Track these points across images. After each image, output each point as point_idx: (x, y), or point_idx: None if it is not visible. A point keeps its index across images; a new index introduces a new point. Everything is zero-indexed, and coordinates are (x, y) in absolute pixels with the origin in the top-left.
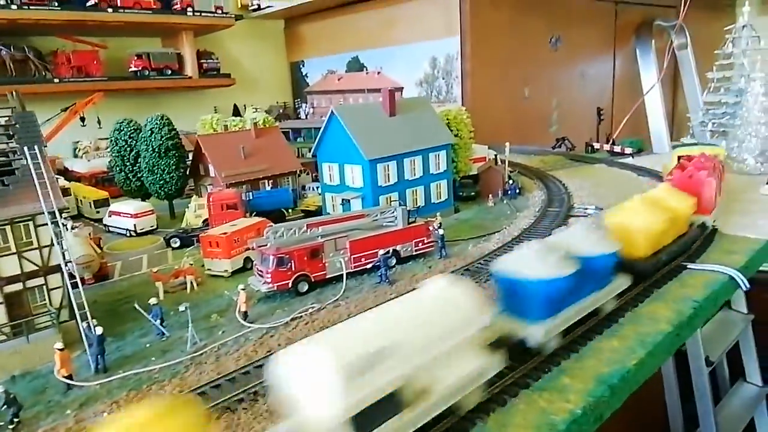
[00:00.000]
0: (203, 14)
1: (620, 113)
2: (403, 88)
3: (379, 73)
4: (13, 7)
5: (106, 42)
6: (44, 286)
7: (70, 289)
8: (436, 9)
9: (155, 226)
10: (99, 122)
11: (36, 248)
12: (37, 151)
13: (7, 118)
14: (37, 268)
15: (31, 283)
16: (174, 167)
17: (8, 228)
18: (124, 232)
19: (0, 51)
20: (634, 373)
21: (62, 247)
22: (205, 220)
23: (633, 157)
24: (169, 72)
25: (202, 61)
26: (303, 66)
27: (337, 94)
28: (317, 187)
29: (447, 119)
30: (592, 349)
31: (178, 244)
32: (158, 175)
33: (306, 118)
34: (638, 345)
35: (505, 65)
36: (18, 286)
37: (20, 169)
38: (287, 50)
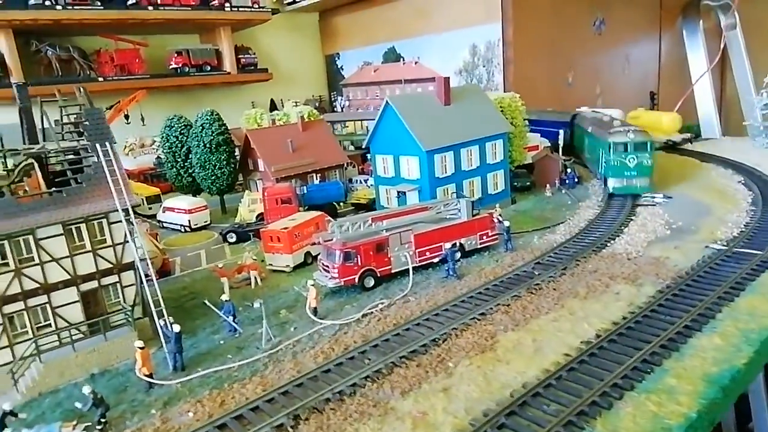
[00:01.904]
0: (240, 9)
1: (667, 97)
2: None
3: (416, 62)
4: (58, 7)
5: (147, 40)
6: (118, 284)
7: (146, 287)
8: None
9: (209, 222)
10: (143, 119)
11: (110, 246)
12: (108, 147)
13: (76, 116)
14: (111, 265)
15: (105, 280)
16: (225, 162)
17: (83, 226)
18: (178, 227)
19: (46, 51)
20: (744, 372)
21: (136, 244)
22: (260, 214)
23: (691, 142)
24: (209, 68)
25: (240, 56)
26: (338, 58)
27: (373, 86)
28: (365, 180)
29: (501, 107)
30: (692, 347)
31: (234, 239)
32: (210, 171)
33: (342, 110)
34: (743, 342)
35: (547, 51)
36: (93, 284)
37: (91, 167)
38: (322, 43)
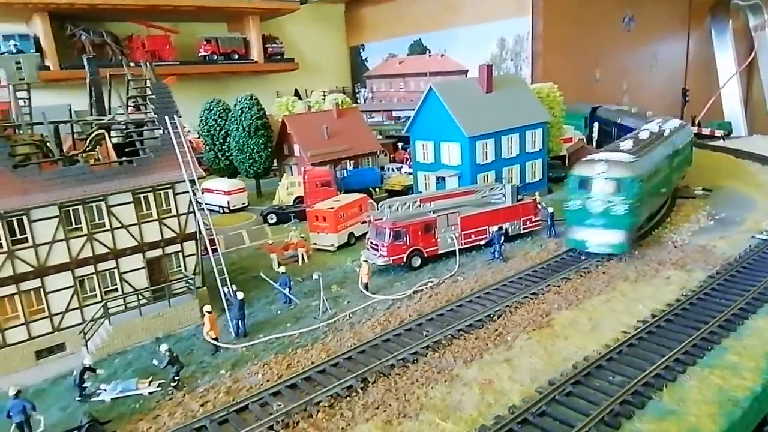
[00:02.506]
0: None
1: (694, 96)
2: (468, 70)
3: (442, 55)
4: None
5: (177, 27)
6: (180, 253)
7: (211, 256)
8: None
9: (247, 204)
10: None
11: (174, 216)
12: (176, 120)
13: (142, 89)
14: (175, 234)
15: (169, 249)
16: (263, 146)
17: (151, 195)
18: (217, 209)
19: (80, 35)
20: None
21: (199, 215)
22: (298, 197)
23: (723, 139)
24: (236, 56)
25: (267, 45)
26: (363, 50)
27: (397, 78)
28: (398, 168)
29: (539, 97)
30: (749, 328)
31: (274, 220)
32: (248, 154)
33: (365, 102)
34: None
35: (576, 46)
36: (158, 252)
37: (158, 138)
38: (347, 34)
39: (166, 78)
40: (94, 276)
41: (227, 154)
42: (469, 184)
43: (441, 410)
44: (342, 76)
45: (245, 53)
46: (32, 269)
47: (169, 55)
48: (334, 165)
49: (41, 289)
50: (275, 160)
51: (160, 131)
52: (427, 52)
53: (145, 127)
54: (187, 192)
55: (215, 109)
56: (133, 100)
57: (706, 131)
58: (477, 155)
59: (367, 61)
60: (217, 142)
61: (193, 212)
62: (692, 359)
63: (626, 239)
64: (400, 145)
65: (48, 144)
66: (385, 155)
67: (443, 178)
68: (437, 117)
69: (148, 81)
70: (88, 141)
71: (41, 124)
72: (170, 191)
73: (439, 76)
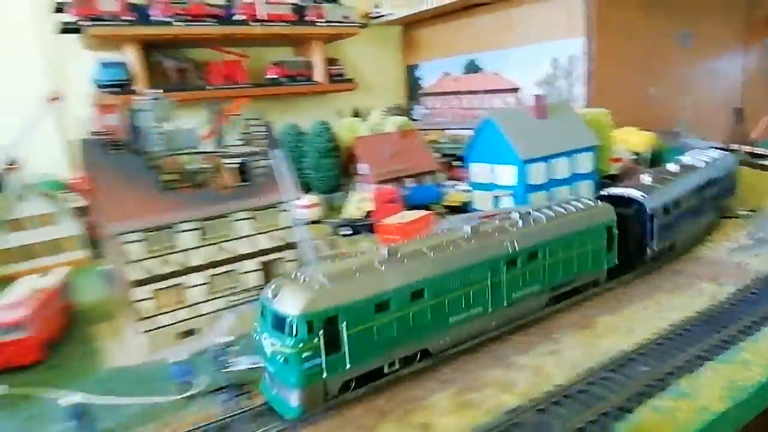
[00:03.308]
0: (333, 24)
1: (750, 116)
2: (519, 88)
3: (496, 74)
4: (179, 24)
5: (246, 52)
6: (283, 259)
7: (309, 261)
8: (558, 10)
9: (321, 217)
10: None
11: (279, 229)
12: (279, 153)
13: (255, 126)
14: (280, 244)
15: (275, 255)
16: (333, 166)
17: (262, 213)
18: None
19: (165, 62)
20: None
21: (298, 229)
22: (368, 212)
23: None
24: (301, 78)
25: (330, 67)
26: (417, 69)
27: (451, 96)
28: (453, 186)
29: (588, 122)
30: (766, 334)
31: (350, 232)
32: (321, 173)
33: (420, 119)
34: None
35: (630, 64)
36: (268, 257)
37: (265, 168)
38: (403, 54)
39: (238, 99)
40: (222, 275)
41: (302, 172)
42: (522, 203)
43: (501, 385)
44: (397, 94)
45: (309, 75)
46: (178, 269)
47: (241, 78)
48: (397, 182)
49: (183, 285)
50: (343, 177)
51: (266, 161)
52: (480, 71)
53: (256, 158)
54: (288, 210)
55: (291, 132)
56: (246, 134)
57: (759, 151)
58: (529, 176)
59: (421, 79)
60: (293, 162)
61: (292, 227)
62: (710, 356)
63: (300, 399)
64: (454, 163)
65: (185, 170)
66: (442, 173)
67: (498, 197)
68: (493, 142)
69: (255, 120)
70: (212, 169)
71: (181, 154)
72: (274, 209)
73: (493, 94)
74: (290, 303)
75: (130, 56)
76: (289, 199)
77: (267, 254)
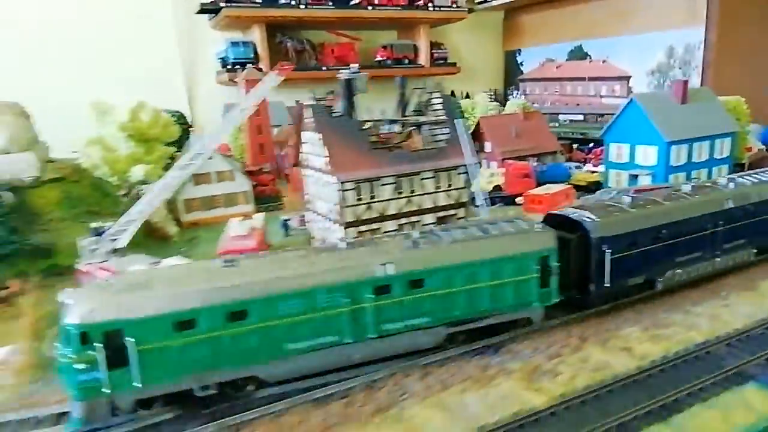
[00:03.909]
0: (441, 9)
1: None
2: (630, 76)
3: (604, 61)
4: (302, 6)
5: (356, 35)
6: (455, 216)
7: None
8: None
9: None
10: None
11: (454, 189)
12: (461, 122)
13: (431, 97)
14: (454, 202)
15: (450, 212)
16: None
17: (444, 174)
18: None
19: (286, 42)
20: None
21: (473, 189)
22: (496, 185)
23: None
24: (407, 61)
25: (434, 51)
26: (519, 54)
27: (553, 82)
28: (576, 166)
29: (727, 109)
30: None
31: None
32: None
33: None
34: None
35: (751, 56)
36: (444, 213)
37: (448, 134)
38: (504, 40)
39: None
40: (407, 225)
41: None
42: (662, 182)
43: (685, 326)
44: (495, 78)
45: (414, 58)
46: (379, 216)
47: (353, 60)
48: (520, 160)
49: (380, 230)
50: None
51: (449, 129)
52: (588, 57)
53: (441, 125)
54: (464, 173)
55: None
56: (422, 104)
57: None
58: (671, 158)
59: (522, 64)
60: None
61: (466, 187)
62: None
63: (83, 412)
64: (574, 146)
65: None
66: (562, 154)
67: (636, 176)
68: (636, 123)
69: (436, 93)
70: (404, 133)
71: (381, 121)
72: (453, 171)
73: (599, 81)
74: (73, 310)
75: (257, 36)
76: (468, 163)
77: (444, 210)
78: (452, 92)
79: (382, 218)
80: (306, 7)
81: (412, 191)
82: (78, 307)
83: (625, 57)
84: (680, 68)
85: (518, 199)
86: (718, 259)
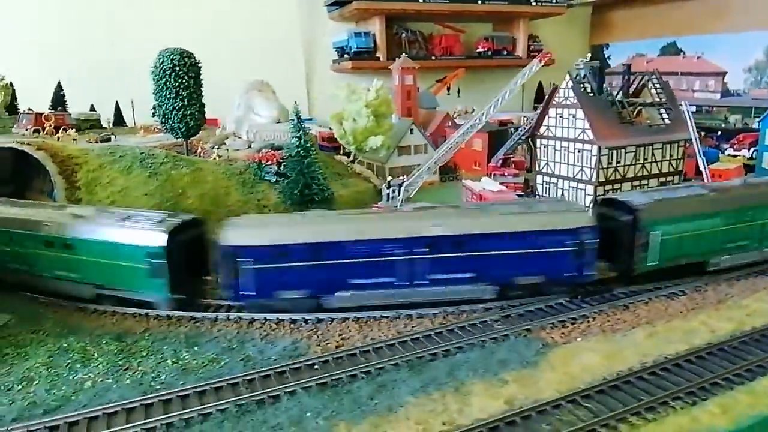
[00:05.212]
0: (543, 3)
1: None
2: (726, 72)
3: (699, 58)
4: (421, 0)
5: (459, 27)
6: (671, 182)
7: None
8: None
9: None
10: (459, 92)
11: (674, 159)
12: (684, 105)
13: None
14: (672, 170)
15: (669, 179)
16: None
17: (668, 146)
18: None
19: (401, 33)
20: None
21: (700, 158)
22: None
23: None
24: (505, 53)
25: (530, 43)
26: (606, 49)
27: None
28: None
29: None
30: None
31: None
32: None
33: None
34: None
35: None
36: (664, 179)
37: (672, 113)
38: (591, 34)
39: (456, 70)
40: (638, 187)
41: None
42: None
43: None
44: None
45: (512, 50)
46: (620, 178)
47: (458, 51)
48: None
49: (619, 189)
50: None
51: (675, 108)
52: (681, 53)
53: (668, 106)
54: (683, 146)
55: None
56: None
57: None
58: None
59: (609, 59)
60: None
61: (684, 158)
62: None
63: None
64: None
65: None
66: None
67: None
68: None
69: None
70: (634, 111)
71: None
72: (675, 144)
73: (692, 77)
74: None
75: (377, 27)
76: (689, 137)
77: (664, 177)
78: (540, 83)
79: (622, 180)
80: (424, 1)
81: (645, 159)
82: None
83: (722, 54)
84: None
85: None
86: None
